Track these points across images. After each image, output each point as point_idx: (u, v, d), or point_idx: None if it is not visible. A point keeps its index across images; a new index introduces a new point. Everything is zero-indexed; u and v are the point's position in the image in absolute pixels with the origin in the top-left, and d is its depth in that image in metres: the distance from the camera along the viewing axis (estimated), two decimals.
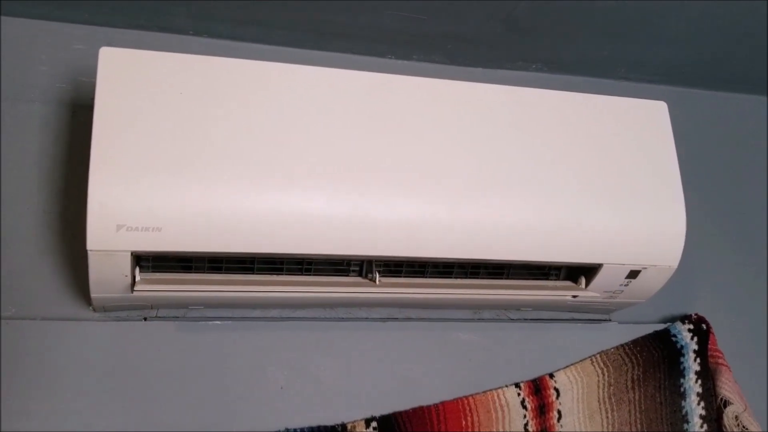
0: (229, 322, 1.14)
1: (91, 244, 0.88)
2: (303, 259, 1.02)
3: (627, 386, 1.26)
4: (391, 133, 1.02)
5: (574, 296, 1.15)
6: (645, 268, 1.11)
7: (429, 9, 1.20)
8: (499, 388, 1.21)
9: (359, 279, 1.06)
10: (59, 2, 1.15)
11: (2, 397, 1.02)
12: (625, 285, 1.14)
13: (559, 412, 1.22)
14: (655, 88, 1.53)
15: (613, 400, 1.25)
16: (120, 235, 0.89)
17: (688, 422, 1.27)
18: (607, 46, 1.37)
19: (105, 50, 0.93)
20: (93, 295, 0.99)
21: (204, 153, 0.93)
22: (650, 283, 1.14)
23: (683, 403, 1.28)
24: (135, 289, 0.95)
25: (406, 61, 1.38)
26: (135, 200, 0.89)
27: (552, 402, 1.22)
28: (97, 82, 0.92)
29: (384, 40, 1.31)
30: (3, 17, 1.17)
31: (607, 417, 1.25)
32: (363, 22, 1.24)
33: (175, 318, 1.12)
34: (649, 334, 1.31)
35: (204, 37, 1.26)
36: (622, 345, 1.29)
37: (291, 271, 1.03)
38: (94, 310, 1.09)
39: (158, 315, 1.12)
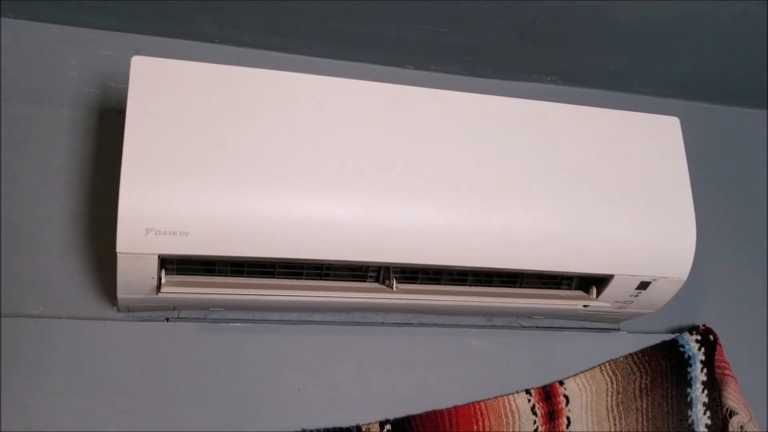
0: (249, 324, 1.16)
1: (120, 247, 0.91)
2: (322, 264, 1.04)
3: (635, 395, 1.28)
4: (410, 143, 1.04)
5: (585, 306, 1.17)
6: (655, 279, 1.13)
7: (449, 22, 1.23)
8: (510, 393, 1.23)
9: (376, 285, 1.09)
10: (89, 9, 1.18)
11: (27, 394, 1.04)
12: (636, 296, 1.16)
13: (568, 418, 1.24)
14: (667, 101, 1.54)
15: (621, 408, 1.27)
16: (149, 238, 0.91)
17: (694, 431, 1.29)
18: (621, 60, 1.39)
19: (137, 59, 0.96)
20: (119, 295, 1.02)
21: (230, 160, 0.95)
22: (660, 294, 1.16)
23: (690, 412, 1.29)
24: (161, 291, 0.97)
25: (424, 72, 1.40)
26: (164, 205, 0.91)
27: (561, 409, 1.24)
28: (128, 90, 0.94)
29: (403, 51, 1.34)
30: (33, 23, 1.20)
31: (615, 424, 1.26)
32: (384, 33, 1.26)
33: (197, 319, 1.15)
34: (658, 344, 1.33)
35: (228, 45, 1.29)
36: (630, 354, 1.31)
37: (310, 276, 1.05)
38: (119, 310, 1.12)
39: (180, 316, 1.14)
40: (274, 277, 1.04)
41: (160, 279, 0.97)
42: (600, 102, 1.18)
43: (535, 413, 1.22)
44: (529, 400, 1.23)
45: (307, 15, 1.20)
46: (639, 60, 1.39)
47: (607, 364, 1.29)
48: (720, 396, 1.30)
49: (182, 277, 1.00)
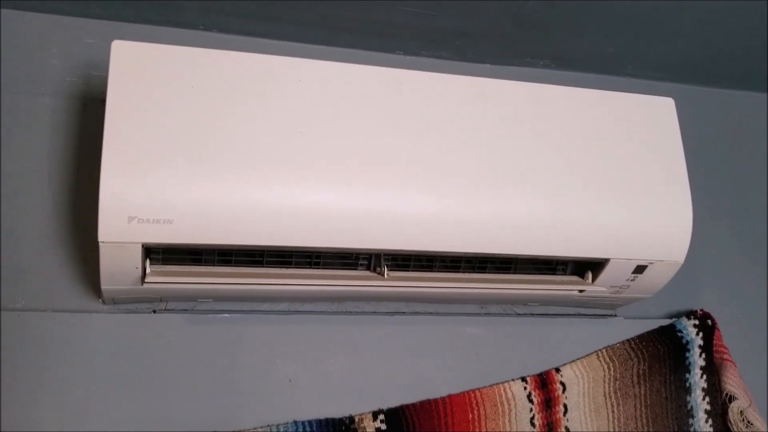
0: (238, 315, 1.15)
1: (102, 235, 0.89)
2: (312, 252, 1.02)
3: (632, 381, 1.27)
4: (400, 127, 1.02)
5: (581, 291, 1.15)
6: (651, 263, 1.11)
7: (439, 5, 1.21)
8: (506, 381, 1.22)
9: (367, 272, 1.07)
10: None
11: (11, 389, 1.03)
12: (632, 280, 1.15)
13: (565, 406, 1.23)
14: (661, 85, 1.53)
15: (618, 394, 1.26)
16: (132, 227, 0.89)
17: (693, 417, 1.27)
18: (614, 43, 1.37)
19: (117, 43, 0.94)
20: (103, 287, 1.00)
21: (215, 146, 0.93)
22: (656, 278, 1.15)
23: (688, 398, 1.28)
24: (145, 281, 0.95)
25: (414, 57, 1.38)
26: (147, 192, 0.89)
27: (558, 396, 1.23)
28: (109, 75, 0.92)
29: (393, 36, 1.32)
30: (15, 11, 1.18)
31: (613, 411, 1.25)
32: (372, 17, 1.24)
33: (184, 311, 1.13)
34: (655, 330, 1.32)
35: (214, 32, 1.27)
36: (627, 340, 1.30)
37: (300, 265, 1.04)
38: (104, 302, 1.10)
39: (167, 308, 1.12)
40: (262, 266, 1.02)
41: (144, 269, 0.95)
42: (594, 86, 1.16)
43: (531, 401, 1.21)
44: (525, 388, 1.21)
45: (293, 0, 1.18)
46: (634, 42, 1.38)
47: (603, 350, 1.28)
48: (719, 381, 1.29)
49: (168, 266, 0.99)
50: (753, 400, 1.29)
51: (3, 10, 1.18)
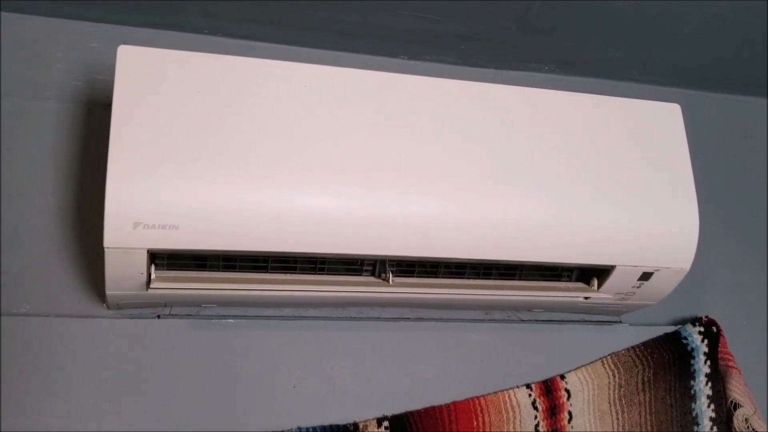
0: (242, 320, 1.14)
1: (108, 241, 0.89)
2: (316, 258, 1.02)
3: (637, 388, 1.26)
4: (405, 133, 1.02)
5: (586, 298, 1.15)
6: (657, 270, 1.11)
7: (442, 9, 1.21)
8: (511, 388, 1.21)
9: (372, 278, 1.06)
10: (76, 1, 1.16)
11: (15, 394, 1.02)
12: (638, 287, 1.14)
13: (569, 413, 1.22)
14: (666, 90, 1.52)
15: (623, 401, 1.25)
16: (137, 232, 0.89)
17: (698, 424, 1.27)
18: (619, 48, 1.37)
19: (123, 48, 0.94)
20: (108, 292, 1.00)
21: (220, 152, 0.93)
22: (662, 285, 1.14)
23: (693, 405, 1.28)
24: (150, 286, 0.95)
25: (418, 62, 1.38)
26: (152, 198, 0.89)
27: (563, 403, 1.22)
28: (115, 80, 0.92)
29: (397, 40, 1.31)
30: (19, 15, 1.18)
31: (618, 418, 1.25)
32: (376, 22, 1.24)
33: (189, 316, 1.13)
34: (660, 336, 1.31)
35: (218, 36, 1.27)
36: (632, 347, 1.29)
37: (304, 270, 1.03)
38: (108, 307, 1.09)
39: (172, 313, 1.12)
40: (267, 272, 1.02)
41: (149, 274, 0.95)
42: (598, 91, 1.16)
43: (536, 408, 1.21)
44: (530, 395, 1.21)
45: (298, 4, 1.18)
46: (638, 48, 1.37)
47: (608, 357, 1.28)
48: (724, 388, 1.29)
49: (172, 272, 0.98)
50: (758, 408, 1.28)
51: (7, 14, 1.17)
